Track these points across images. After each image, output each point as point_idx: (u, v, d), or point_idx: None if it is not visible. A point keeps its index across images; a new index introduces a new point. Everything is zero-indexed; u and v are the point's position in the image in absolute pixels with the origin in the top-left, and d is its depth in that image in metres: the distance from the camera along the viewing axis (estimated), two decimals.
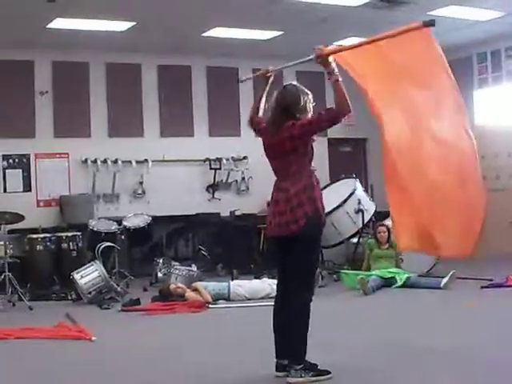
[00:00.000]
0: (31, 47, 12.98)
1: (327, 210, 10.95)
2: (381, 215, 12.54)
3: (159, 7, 11.27)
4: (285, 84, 5.68)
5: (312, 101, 5.58)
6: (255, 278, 10.79)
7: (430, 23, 4.86)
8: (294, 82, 5.73)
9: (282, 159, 5.49)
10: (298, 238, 5.34)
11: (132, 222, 12.09)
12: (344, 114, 5.28)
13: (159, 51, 14.08)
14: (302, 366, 5.29)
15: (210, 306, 9.28)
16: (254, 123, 5.92)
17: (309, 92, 5.61)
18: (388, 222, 11.69)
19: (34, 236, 11.29)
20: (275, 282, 9.76)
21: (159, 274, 11.52)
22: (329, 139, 15.66)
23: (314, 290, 5.54)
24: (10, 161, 13.22)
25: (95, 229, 11.58)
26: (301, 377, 5.28)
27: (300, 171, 5.43)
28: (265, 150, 5.65)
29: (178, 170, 14.44)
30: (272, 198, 5.58)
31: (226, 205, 14.43)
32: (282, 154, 5.46)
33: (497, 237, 13.15)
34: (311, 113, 5.52)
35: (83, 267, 10.16)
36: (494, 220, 13.15)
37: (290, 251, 5.43)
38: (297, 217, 5.32)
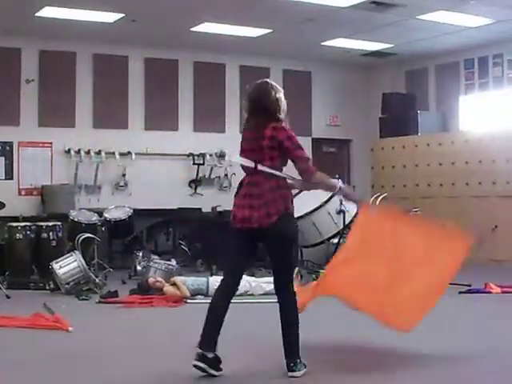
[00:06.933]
0: (19, 35, 12.93)
1: (308, 209, 11.15)
2: None
3: (149, 0, 11.27)
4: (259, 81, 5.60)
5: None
6: None
7: None
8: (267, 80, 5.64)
9: None
10: None
11: (113, 214, 12.04)
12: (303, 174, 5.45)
13: (147, 44, 14.06)
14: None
15: (188, 300, 9.26)
16: None
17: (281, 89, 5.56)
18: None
19: (14, 224, 11.22)
20: (254, 279, 9.88)
21: (138, 267, 11.49)
22: (313, 139, 15.52)
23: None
24: None
25: (76, 219, 11.53)
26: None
27: None
28: None
29: (161, 164, 14.43)
30: None
31: (208, 201, 14.41)
32: None
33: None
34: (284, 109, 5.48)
35: (62, 257, 10.11)
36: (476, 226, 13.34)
37: None
38: None
